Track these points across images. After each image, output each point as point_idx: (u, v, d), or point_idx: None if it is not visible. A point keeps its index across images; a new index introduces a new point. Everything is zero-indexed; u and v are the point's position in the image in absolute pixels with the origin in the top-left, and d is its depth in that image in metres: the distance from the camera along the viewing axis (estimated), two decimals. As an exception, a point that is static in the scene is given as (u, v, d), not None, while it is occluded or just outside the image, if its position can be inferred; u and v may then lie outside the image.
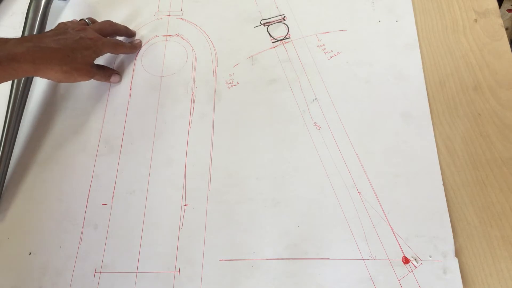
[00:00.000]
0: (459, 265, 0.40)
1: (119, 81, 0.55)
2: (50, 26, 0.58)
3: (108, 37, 0.52)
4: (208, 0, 0.60)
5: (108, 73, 0.54)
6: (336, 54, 0.54)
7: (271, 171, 0.47)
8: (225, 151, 0.49)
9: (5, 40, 0.43)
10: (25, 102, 0.53)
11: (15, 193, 0.49)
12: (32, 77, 0.54)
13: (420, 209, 0.43)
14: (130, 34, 0.57)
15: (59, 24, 0.50)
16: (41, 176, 0.49)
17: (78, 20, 0.54)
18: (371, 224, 0.43)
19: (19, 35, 0.56)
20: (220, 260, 0.43)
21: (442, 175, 0.45)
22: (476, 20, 0.54)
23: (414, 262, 0.41)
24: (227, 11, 0.59)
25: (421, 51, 0.52)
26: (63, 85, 0.55)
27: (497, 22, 0.53)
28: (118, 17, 0.59)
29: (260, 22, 0.57)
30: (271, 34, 0.56)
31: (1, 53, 0.40)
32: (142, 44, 0.57)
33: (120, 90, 0.54)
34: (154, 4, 0.61)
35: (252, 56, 0.55)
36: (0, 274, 0.44)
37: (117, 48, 0.53)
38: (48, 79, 0.46)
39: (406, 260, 0.41)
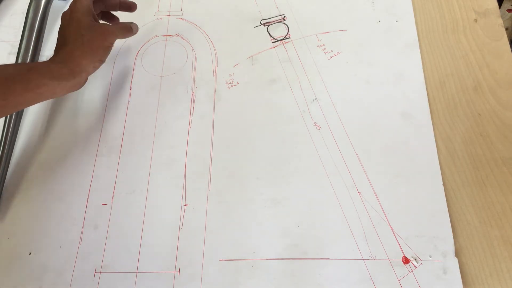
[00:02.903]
0: (459, 265, 0.41)
1: (138, 28, 0.52)
2: (50, 26, 0.58)
3: None
4: (208, 0, 0.60)
5: (127, 26, 0.50)
6: (336, 54, 0.54)
7: (271, 171, 0.47)
8: (225, 151, 0.49)
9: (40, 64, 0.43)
10: (25, 102, 0.53)
11: (15, 193, 0.48)
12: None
13: (420, 209, 0.43)
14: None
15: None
16: (41, 176, 0.49)
17: None
18: (371, 224, 0.43)
19: (19, 35, 0.56)
20: (220, 260, 0.43)
21: (442, 175, 0.45)
22: (476, 20, 0.54)
23: (414, 262, 0.41)
24: (227, 11, 0.59)
25: (421, 51, 0.52)
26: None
27: (497, 22, 0.53)
28: (118, 17, 0.59)
29: (260, 22, 0.57)
30: (271, 34, 0.56)
31: (35, 63, 0.39)
32: (142, 44, 0.57)
33: (120, 90, 0.54)
34: (154, 4, 0.61)
35: (252, 56, 0.55)
36: (0, 274, 0.44)
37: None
38: (93, 71, 0.46)
39: (406, 260, 0.41)
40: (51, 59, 0.44)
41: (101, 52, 0.46)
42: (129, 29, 0.50)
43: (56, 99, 0.54)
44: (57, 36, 0.47)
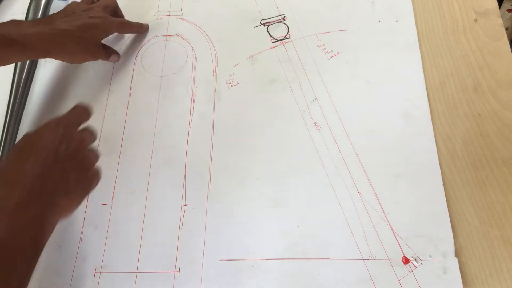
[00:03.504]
0: (459, 265, 0.40)
1: (118, 60, 0.56)
2: (50, 26, 0.58)
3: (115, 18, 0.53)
4: (208, 0, 0.60)
5: (109, 52, 0.54)
6: (336, 54, 0.54)
7: (271, 171, 0.47)
8: (225, 151, 0.49)
9: (18, 22, 0.44)
10: (25, 101, 0.53)
11: (15, 193, 0.48)
12: (33, 76, 0.54)
13: (420, 209, 0.43)
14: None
15: (67, 6, 0.51)
16: (41, 176, 0.49)
17: None
18: (371, 224, 0.43)
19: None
20: (220, 260, 0.43)
21: (442, 175, 0.45)
22: (476, 20, 0.54)
23: (414, 262, 0.41)
24: (227, 11, 0.59)
25: (421, 51, 0.52)
26: (63, 85, 0.55)
27: (497, 22, 0.53)
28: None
29: (260, 22, 0.57)
30: (271, 34, 0.56)
31: (14, 35, 0.40)
32: (142, 44, 0.57)
33: (120, 90, 0.54)
34: (154, 4, 0.61)
35: (252, 56, 0.55)
36: (0, 274, 0.44)
37: (125, 27, 0.54)
38: (60, 60, 0.48)
39: (406, 260, 0.41)
40: (46, 25, 0.45)
41: (79, 59, 0.50)
42: (109, 56, 0.54)
43: (56, 100, 0.54)
44: (71, 2, 0.50)
